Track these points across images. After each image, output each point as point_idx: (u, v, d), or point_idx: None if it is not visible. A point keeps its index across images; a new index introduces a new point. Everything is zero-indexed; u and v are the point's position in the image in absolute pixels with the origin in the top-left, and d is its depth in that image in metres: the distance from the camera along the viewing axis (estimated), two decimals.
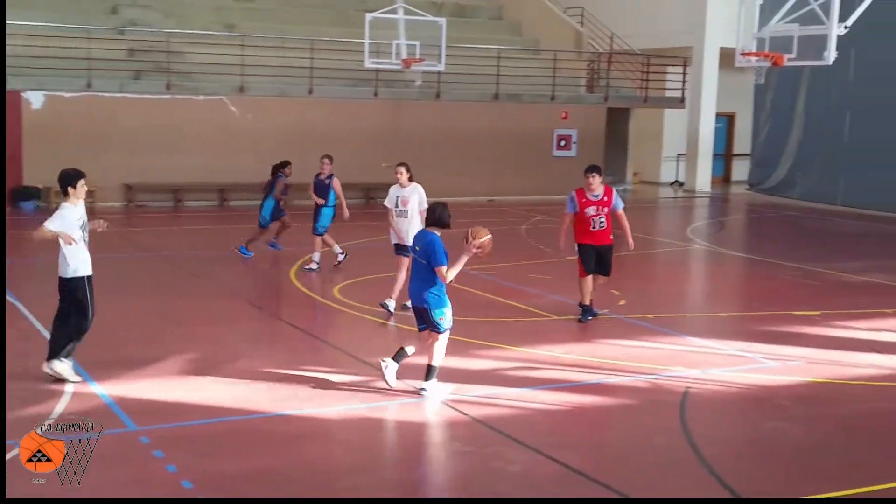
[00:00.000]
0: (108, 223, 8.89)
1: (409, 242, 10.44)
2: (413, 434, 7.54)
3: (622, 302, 12.36)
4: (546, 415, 8.08)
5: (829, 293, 12.58)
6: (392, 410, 8.00)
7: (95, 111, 21.64)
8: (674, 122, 30.73)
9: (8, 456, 6.37)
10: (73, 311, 8.31)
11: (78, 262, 8.25)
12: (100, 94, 21.61)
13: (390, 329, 10.84)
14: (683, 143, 29.52)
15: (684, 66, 28.26)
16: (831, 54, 14.45)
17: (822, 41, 14.70)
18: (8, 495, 5.88)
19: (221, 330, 10.63)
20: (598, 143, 26.97)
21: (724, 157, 33.02)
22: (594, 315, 11.28)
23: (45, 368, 8.28)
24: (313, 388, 8.48)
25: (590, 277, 11.20)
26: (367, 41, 21.55)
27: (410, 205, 11.44)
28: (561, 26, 29.11)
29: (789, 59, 15.27)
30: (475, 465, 6.90)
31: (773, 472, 6.93)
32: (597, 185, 11.07)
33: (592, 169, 11.22)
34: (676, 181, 30.98)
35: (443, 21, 22.36)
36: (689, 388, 8.70)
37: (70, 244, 8.14)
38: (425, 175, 24.31)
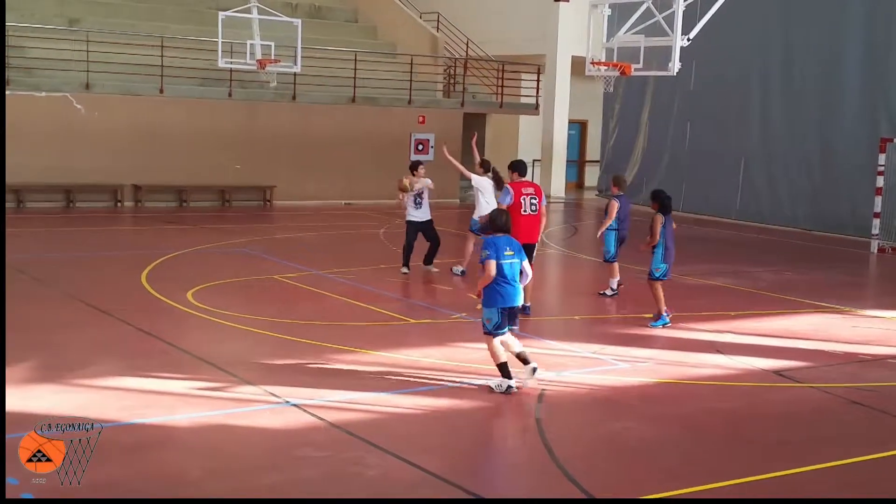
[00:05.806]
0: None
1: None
2: (268, 440, 7.39)
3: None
4: (403, 418, 8.07)
5: (675, 296, 13.01)
6: (246, 417, 7.83)
7: None
8: (529, 129, 31.33)
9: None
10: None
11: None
12: None
13: (245, 334, 10.61)
14: (538, 149, 30.14)
15: (538, 73, 28.85)
16: (675, 65, 14.94)
17: (666, 52, 15.17)
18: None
19: (66, 336, 10.17)
20: (455, 148, 27.17)
21: (577, 163, 33.86)
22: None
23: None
24: (163, 394, 8.22)
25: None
26: (220, 40, 21.07)
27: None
28: (417, 31, 29.26)
29: (636, 70, 15.72)
30: (331, 469, 6.82)
31: (620, 470, 7.13)
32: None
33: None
34: None
35: (298, 22, 22.10)
36: (545, 390, 8.86)
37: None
38: (281, 177, 24.34)
